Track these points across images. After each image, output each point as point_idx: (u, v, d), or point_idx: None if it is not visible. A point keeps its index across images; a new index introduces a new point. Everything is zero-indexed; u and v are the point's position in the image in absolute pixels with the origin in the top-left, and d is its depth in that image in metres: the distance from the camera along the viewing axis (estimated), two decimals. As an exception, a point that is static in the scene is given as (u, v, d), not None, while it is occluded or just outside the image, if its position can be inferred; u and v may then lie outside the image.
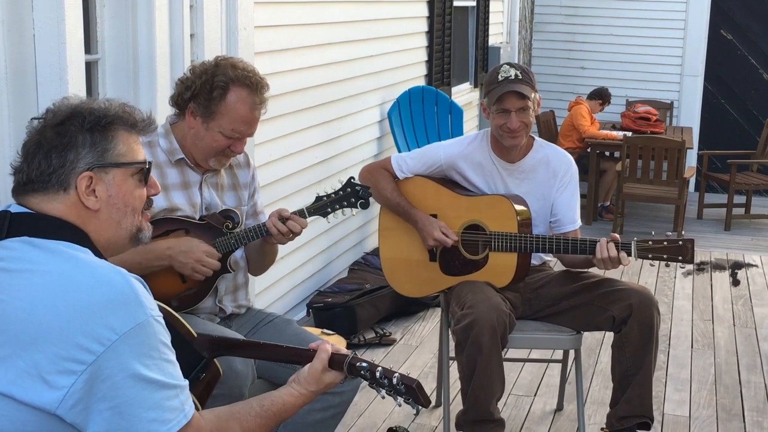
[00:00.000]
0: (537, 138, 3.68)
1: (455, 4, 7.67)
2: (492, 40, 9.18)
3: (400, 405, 2.09)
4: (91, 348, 1.73)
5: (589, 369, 4.57)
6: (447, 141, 3.74)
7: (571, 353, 3.90)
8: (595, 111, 9.29)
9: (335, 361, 2.11)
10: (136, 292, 1.82)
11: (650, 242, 3.28)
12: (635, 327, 3.40)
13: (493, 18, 9.17)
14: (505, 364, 4.46)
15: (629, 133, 8.93)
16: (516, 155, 3.59)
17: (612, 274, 5.19)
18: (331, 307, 4.80)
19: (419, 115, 6.52)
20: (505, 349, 4.39)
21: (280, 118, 4.69)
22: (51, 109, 1.99)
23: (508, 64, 3.53)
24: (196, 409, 1.99)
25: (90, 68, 3.48)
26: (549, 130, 9.75)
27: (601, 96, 9.29)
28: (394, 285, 3.74)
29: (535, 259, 3.69)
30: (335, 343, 3.89)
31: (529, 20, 11.18)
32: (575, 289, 3.54)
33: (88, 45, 3.45)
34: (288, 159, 4.82)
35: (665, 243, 3.26)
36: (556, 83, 11.07)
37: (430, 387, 4.27)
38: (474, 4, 8.47)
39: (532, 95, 3.48)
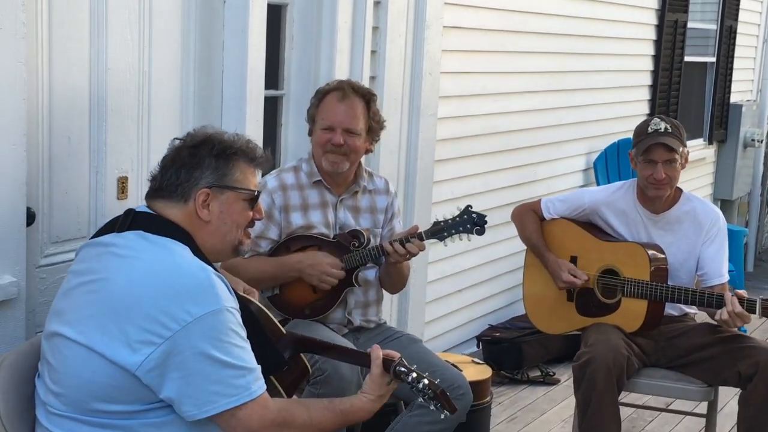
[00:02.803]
0: (685, 191, 3.74)
1: (687, 59, 7.61)
2: (738, 97, 8.95)
3: (433, 409, 2.31)
4: (169, 325, 2.11)
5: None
6: (595, 188, 3.89)
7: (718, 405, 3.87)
8: None
9: (386, 365, 2.36)
10: (214, 286, 2.17)
11: (776, 301, 3.27)
12: (761, 386, 3.38)
13: (740, 75, 8.95)
14: (662, 416, 4.51)
15: None
16: (661, 206, 3.68)
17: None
18: (498, 342, 5.01)
19: (627, 167, 6.55)
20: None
21: (464, 159, 4.99)
22: (191, 133, 2.45)
23: (659, 117, 3.67)
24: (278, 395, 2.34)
25: (276, 102, 3.97)
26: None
27: None
28: (532, 319, 3.92)
29: (675, 310, 3.73)
30: (481, 372, 4.15)
31: (790, 79, 10.72)
32: (708, 341, 3.56)
33: (276, 82, 3.94)
34: (470, 198, 5.06)
35: (792, 304, 3.24)
36: (815, 146, 10.53)
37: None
38: (713, 60, 8.33)
39: (680, 149, 3.57)
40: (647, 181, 3.61)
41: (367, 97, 3.31)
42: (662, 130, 3.57)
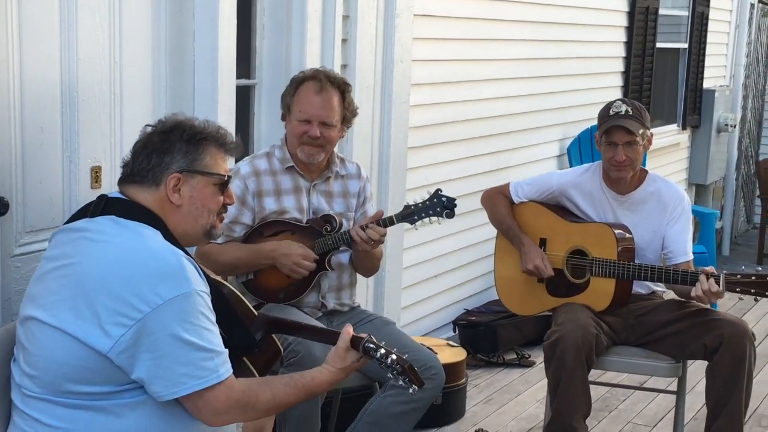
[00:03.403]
0: (651, 172, 3.82)
1: (659, 45, 7.70)
2: (711, 83, 9.05)
3: (401, 384, 2.37)
4: (140, 308, 2.15)
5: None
6: (562, 170, 3.96)
7: (690, 383, 3.95)
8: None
9: (355, 342, 2.42)
10: (184, 269, 2.22)
11: (739, 276, 3.36)
12: (726, 357, 3.46)
13: (713, 60, 9.05)
14: (635, 394, 4.59)
15: None
16: (626, 187, 3.75)
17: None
18: (474, 326, 5.08)
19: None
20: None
21: (437, 146, 5.05)
22: (162, 120, 2.48)
23: (621, 100, 3.74)
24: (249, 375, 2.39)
25: (248, 91, 4.01)
26: (770, 177, 9.44)
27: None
28: (504, 301, 3.99)
29: (643, 288, 3.81)
30: (456, 355, 4.22)
31: (764, 64, 10.84)
32: (674, 317, 3.65)
33: (248, 71, 3.99)
34: (444, 185, 5.10)
35: (753, 278, 3.33)
36: (789, 129, 10.69)
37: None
38: (686, 46, 8.42)
39: (640, 131, 3.64)
40: (609, 163, 3.70)
41: (342, 88, 3.36)
42: (623, 112, 3.65)
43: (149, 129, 2.44)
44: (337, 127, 3.33)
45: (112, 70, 3.25)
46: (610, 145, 3.66)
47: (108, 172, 3.26)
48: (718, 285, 3.36)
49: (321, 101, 3.28)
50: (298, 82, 3.36)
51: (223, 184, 2.43)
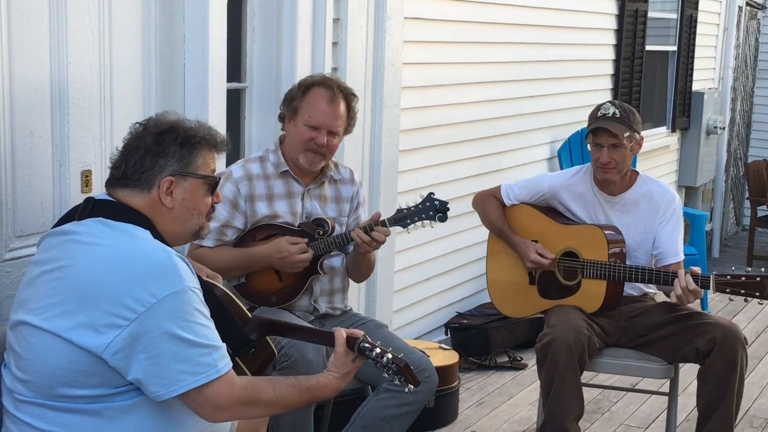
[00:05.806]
0: (642, 173, 3.82)
1: (648, 48, 7.72)
2: (700, 85, 9.08)
3: (397, 383, 2.37)
4: (134, 308, 2.15)
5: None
6: (553, 173, 3.96)
7: (682, 385, 3.95)
8: (805, 161, 8.95)
9: (350, 342, 2.41)
10: (176, 267, 2.21)
11: (729, 276, 3.36)
12: (718, 361, 3.46)
13: (702, 63, 9.08)
14: (627, 396, 4.60)
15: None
16: (618, 188, 3.76)
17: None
18: (466, 328, 5.07)
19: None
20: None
21: (428, 149, 5.05)
22: (153, 119, 2.46)
23: (611, 102, 3.75)
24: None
25: (238, 95, 4.00)
26: (759, 179, 9.46)
27: (811, 146, 8.95)
28: (497, 304, 3.99)
29: (635, 290, 3.81)
30: (448, 358, 4.21)
31: (752, 66, 10.89)
32: (666, 320, 3.64)
33: (238, 74, 3.98)
34: (435, 188, 5.10)
35: (743, 278, 3.33)
36: (776, 132, 10.73)
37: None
38: (674, 48, 8.45)
39: (626, 134, 3.64)
40: (595, 165, 3.71)
41: (349, 98, 3.37)
42: (610, 114, 3.66)
43: (140, 128, 2.42)
44: (340, 136, 3.35)
45: (102, 73, 3.23)
46: (595, 146, 3.67)
47: (98, 176, 3.24)
48: (708, 286, 3.37)
49: (332, 110, 3.28)
50: (307, 86, 3.32)
51: (212, 185, 2.42)
